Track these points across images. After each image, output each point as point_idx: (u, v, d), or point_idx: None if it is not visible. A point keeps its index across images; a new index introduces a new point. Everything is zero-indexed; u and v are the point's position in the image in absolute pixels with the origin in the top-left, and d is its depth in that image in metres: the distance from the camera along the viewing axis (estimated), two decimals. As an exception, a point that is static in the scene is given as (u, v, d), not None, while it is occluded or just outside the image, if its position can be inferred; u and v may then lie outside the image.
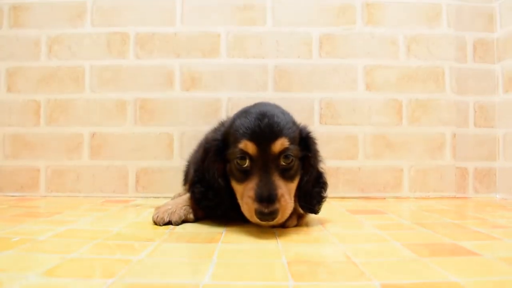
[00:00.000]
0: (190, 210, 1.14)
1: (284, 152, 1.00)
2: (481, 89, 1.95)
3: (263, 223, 0.96)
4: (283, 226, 1.04)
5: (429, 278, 0.63)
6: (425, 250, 0.80)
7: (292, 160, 1.03)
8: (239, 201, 1.03)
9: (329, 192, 1.17)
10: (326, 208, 1.23)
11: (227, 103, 1.86)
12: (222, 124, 1.20)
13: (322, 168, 1.17)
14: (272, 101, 1.20)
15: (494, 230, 1.04)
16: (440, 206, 1.55)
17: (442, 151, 1.89)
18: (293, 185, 1.05)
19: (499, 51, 1.94)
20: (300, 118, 1.16)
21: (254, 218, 0.97)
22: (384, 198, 1.84)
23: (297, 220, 1.08)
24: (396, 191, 1.87)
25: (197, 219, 1.14)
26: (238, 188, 1.04)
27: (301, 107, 1.86)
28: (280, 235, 0.96)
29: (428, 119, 1.90)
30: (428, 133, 1.89)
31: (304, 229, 1.06)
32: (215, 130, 1.20)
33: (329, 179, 1.19)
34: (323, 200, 1.14)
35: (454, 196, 1.89)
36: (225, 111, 1.84)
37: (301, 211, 1.12)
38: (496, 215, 1.31)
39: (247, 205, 0.98)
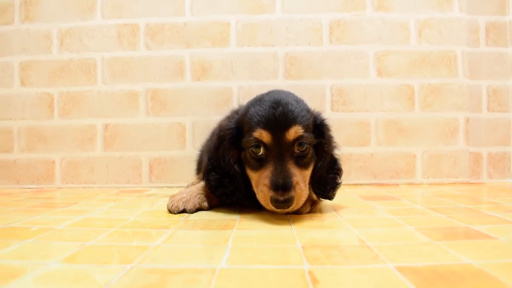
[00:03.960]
0: (204, 198, 1.15)
1: (298, 140, 1.01)
2: (494, 73, 1.92)
3: (278, 210, 0.98)
4: (297, 213, 1.05)
5: (443, 260, 0.63)
6: (439, 234, 0.80)
7: (307, 147, 1.03)
8: (254, 188, 1.04)
9: (342, 179, 1.17)
10: (339, 195, 1.24)
11: (238, 92, 1.86)
12: (235, 112, 1.21)
13: (337, 154, 1.17)
14: (283, 89, 1.20)
15: (509, 214, 1.03)
16: (454, 192, 1.55)
17: (455, 136, 1.88)
18: (308, 172, 1.05)
19: (513, 34, 1.91)
20: (311, 106, 1.16)
21: (269, 206, 0.98)
22: (397, 185, 1.83)
23: (310, 206, 1.09)
24: (409, 177, 1.87)
25: (211, 207, 1.16)
26: (253, 176, 1.05)
27: (312, 95, 1.85)
28: (294, 221, 0.97)
29: (440, 104, 1.88)
30: (441, 118, 1.88)
31: (318, 215, 1.06)
32: (229, 118, 1.20)
33: (342, 166, 1.19)
34: (338, 186, 1.15)
35: (468, 181, 1.88)
36: (236, 100, 1.84)
37: (315, 197, 1.12)
38: (510, 200, 1.30)
39: (263, 193, 0.99)
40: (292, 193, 0.95)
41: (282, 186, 0.95)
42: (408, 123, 1.87)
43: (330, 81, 1.87)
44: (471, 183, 1.87)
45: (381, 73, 1.88)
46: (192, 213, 1.10)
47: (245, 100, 1.20)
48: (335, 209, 1.15)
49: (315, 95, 1.86)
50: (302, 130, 1.01)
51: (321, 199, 1.15)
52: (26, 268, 0.61)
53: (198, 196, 1.15)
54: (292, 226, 0.92)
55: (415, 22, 1.89)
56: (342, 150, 1.21)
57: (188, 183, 1.61)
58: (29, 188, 1.87)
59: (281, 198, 0.94)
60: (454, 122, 1.88)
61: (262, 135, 1.00)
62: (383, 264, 0.61)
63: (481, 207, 1.16)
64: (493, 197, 1.39)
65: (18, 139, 1.90)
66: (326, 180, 1.12)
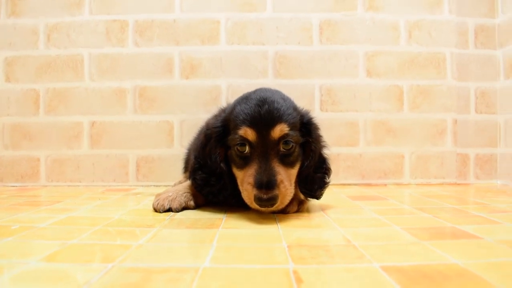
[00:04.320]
0: (191, 197, 1.14)
1: (283, 138, 1.00)
2: (483, 75, 1.93)
3: (262, 209, 0.97)
4: (284, 212, 1.04)
5: (429, 260, 0.63)
6: (425, 234, 0.80)
7: (292, 146, 1.02)
8: (240, 187, 1.03)
9: (330, 179, 1.17)
10: (327, 194, 1.23)
11: (227, 90, 1.85)
12: (223, 110, 1.20)
13: (326, 153, 1.17)
14: (270, 87, 1.19)
15: (495, 214, 1.03)
16: (441, 192, 1.55)
17: (443, 137, 1.89)
18: (294, 171, 1.05)
19: (501, 36, 1.92)
20: (300, 105, 1.15)
21: (253, 204, 0.97)
22: (385, 185, 1.84)
23: (298, 206, 1.08)
24: (397, 178, 1.87)
25: (197, 206, 1.15)
26: (238, 174, 1.05)
27: (302, 94, 1.85)
28: (280, 221, 0.96)
29: (429, 106, 1.89)
30: (429, 119, 1.88)
31: (305, 215, 1.06)
32: (216, 117, 1.19)
33: (330, 165, 1.18)
34: (326, 185, 1.14)
35: (455, 182, 1.89)
36: (225, 99, 1.83)
37: (302, 197, 1.12)
38: (496, 200, 1.31)
39: (247, 191, 0.98)
40: (276, 192, 0.94)
41: (266, 184, 0.94)
42: (397, 124, 1.88)
43: (320, 80, 1.87)
44: (458, 184, 1.88)
45: (371, 74, 1.88)
46: (178, 212, 1.09)
47: (234, 99, 1.19)
48: (322, 208, 1.14)
49: (304, 94, 1.86)
50: (287, 129, 1.00)
51: (308, 198, 1.15)
52: (3, 267, 0.59)
53: (184, 195, 1.13)
54: (279, 225, 0.91)
55: (405, 23, 1.90)
56: (331, 150, 1.20)
57: (175, 182, 1.60)
58: (13, 186, 1.84)
59: (265, 196, 0.93)
60: (442, 123, 1.89)
61: (247, 133, 1.00)
62: (369, 264, 0.61)
63: (468, 207, 1.16)
64: (480, 197, 1.39)
65: (2, 136, 1.86)
66: (314, 179, 1.11)
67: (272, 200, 0.94)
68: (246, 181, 0.99)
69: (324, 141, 1.16)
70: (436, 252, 0.67)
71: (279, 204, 0.97)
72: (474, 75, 1.93)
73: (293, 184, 1.03)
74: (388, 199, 1.36)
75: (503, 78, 1.91)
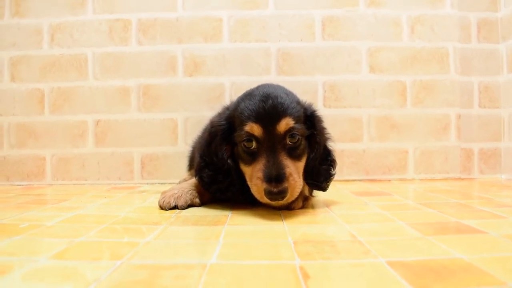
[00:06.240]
0: (196, 194, 1.14)
1: (289, 131, 1.01)
2: (486, 70, 1.93)
3: (273, 202, 0.97)
4: (289, 208, 1.04)
5: (434, 255, 0.63)
6: (430, 229, 0.80)
7: (298, 139, 1.03)
8: (249, 183, 1.04)
9: (336, 170, 1.17)
10: (331, 190, 1.24)
11: (230, 87, 1.86)
12: (226, 108, 1.20)
13: (330, 146, 1.17)
14: (272, 83, 1.20)
15: (499, 209, 1.03)
16: (445, 187, 1.55)
17: (447, 132, 1.89)
18: (301, 164, 1.05)
19: (503, 30, 1.92)
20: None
21: (264, 199, 0.97)
22: (389, 180, 1.84)
23: (302, 202, 1.08)
24: (401, 173, 1.87)
25: (203, 203, 1.15)
26: (246, 170, 1.05)
27: (305, 90, 1.85)
28: (286, 217, 0.96)
29: (432, 101, 1.89)
30: (433, 114, 1.89)
31: (310, 211, 1.06)
32: (220, 114, 1.19)
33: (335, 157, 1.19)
34: (331, 177, 1.15)
35: (459, 177, 1.89)
36: (229, 96, 1.84)
37: (307, 193, 1.13)
38: (501, 195, 1.31)
39: (257, 186, 0.99)
40: (286, 184, 0.95)
41: (275, 177, 0.95)
42: (400, 119, 1.88)
43: (323, 77, 1.87)
44: (463, 179, 1.88)
45: (374, 69, 1.88)
46: (183, 209, 1.09)
47: (237, 96, 1.19)
48: (327, 204, 1.15)
49: (307, 91, 1.86)
50: (293, 122, 1.01)
51: (313, 195, 1.15)
52: (14, 265, 0.60)
53: (190, 192, 1.14)
54: (284, 221, 0.92)
55: (407, 19, 1.90)
56: (335, 146, 1.20)
57: (180, 179, 1.60)
58: (20, 185, 1.86)
59: (275, 189, 0.94)
60: (445, 118, 1.89)
61: (253, 128, 1.00)
62: (374, 259, 0.61)
63: (472, 202, 1.16)
64: (484, 192, 1.39)
65: (8, 135, 1.88)
66: (319, 171, 1.12)
67: (283, 193, 0.95)
68: (255, 176, 0.99)
69: (328, 133, 1.17)
70: (441, 247, 0.67)
71: (289, 197, 0.97)
72: (477, 70, 1.93)
73: (301, 177, 1.04)
74: (393, 194, 1.37)
75: (506, 72, 1.90)
